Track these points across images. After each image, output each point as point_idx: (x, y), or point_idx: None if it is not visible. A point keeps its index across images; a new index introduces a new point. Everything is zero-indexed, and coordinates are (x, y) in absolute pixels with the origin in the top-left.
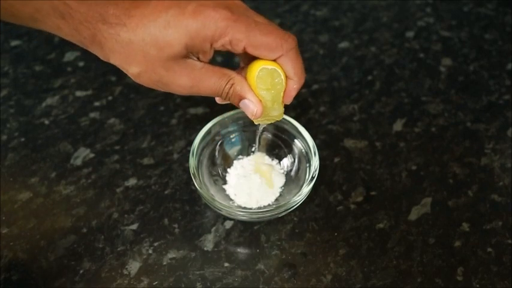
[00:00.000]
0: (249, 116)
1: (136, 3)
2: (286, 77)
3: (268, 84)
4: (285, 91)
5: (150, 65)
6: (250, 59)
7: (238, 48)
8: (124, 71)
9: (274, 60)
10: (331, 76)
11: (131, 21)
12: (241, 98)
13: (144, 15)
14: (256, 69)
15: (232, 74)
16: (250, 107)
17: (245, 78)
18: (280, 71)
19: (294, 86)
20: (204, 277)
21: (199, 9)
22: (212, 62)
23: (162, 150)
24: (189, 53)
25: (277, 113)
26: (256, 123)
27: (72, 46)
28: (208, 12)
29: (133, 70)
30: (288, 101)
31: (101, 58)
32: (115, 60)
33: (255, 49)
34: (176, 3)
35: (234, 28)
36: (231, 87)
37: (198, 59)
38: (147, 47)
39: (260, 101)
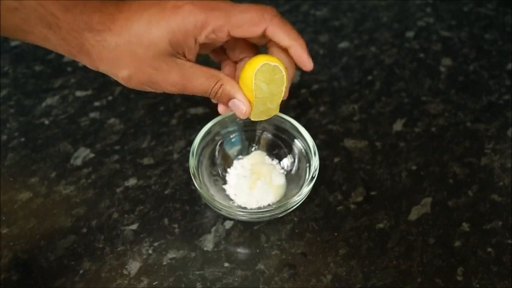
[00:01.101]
0: (239, 115)
1: (120, 7)
2: (287, 49)
3: (268, 78)
4: (286, 87)
5: (139, 65)
6: (237, 51)
7: (222, 35)
8: (114, 77)
9: (265, 55)
10: (331, 76)
11: (116, 25)
12: (230, 98)
13: (127, 18)
14: (259, 63)
15: (220, 74)
16: (240, 106)
17: (238, 75)
18: (282, 68)
19: (299, 49)
20: (204, 277)
21: (178, 4)
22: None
23: (162, 150)
24: (174, 50)
25: (274, 106)
26: (253, 119)
27: None
28: (187, 6)
29: (123, 73)
30: (308, 67)
31: (90, 67)
32: (104, 67)
33: (238, 28)
34: (156, 3)
35: (214, 16)
36: (220, 87)
37: (185, 57)
38: (133, 47)
39: (249, 100)
